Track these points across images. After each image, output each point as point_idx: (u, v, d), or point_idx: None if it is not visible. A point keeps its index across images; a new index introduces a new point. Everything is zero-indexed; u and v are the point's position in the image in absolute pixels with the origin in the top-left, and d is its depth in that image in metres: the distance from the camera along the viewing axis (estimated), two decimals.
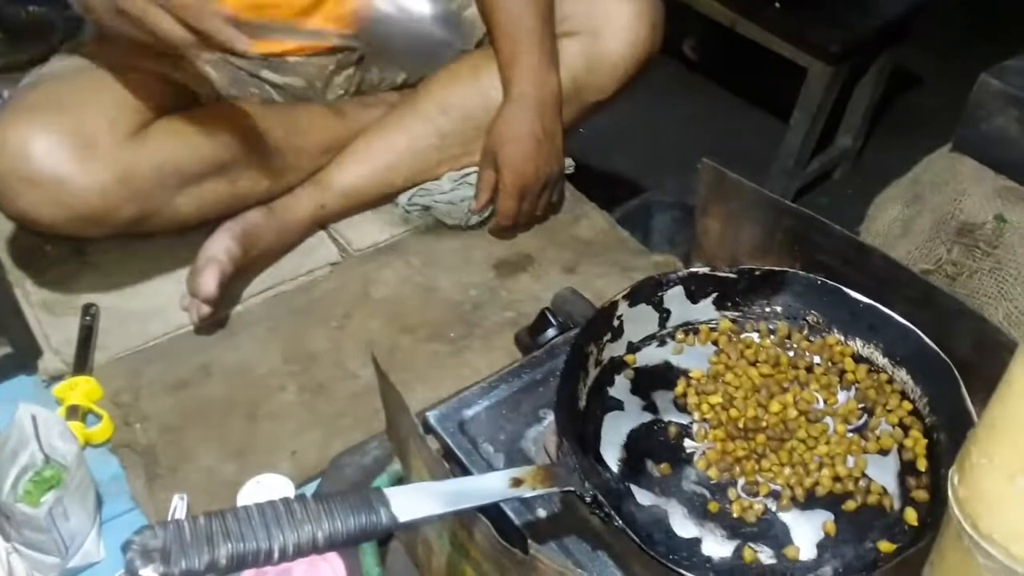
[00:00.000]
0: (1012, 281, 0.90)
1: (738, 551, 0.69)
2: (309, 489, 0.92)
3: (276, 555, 0.54)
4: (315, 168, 1.14)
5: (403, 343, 1.06)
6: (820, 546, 0.69)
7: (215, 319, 1.06)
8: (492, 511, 0.65)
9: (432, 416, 0.80)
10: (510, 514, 0.73)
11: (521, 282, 1.14)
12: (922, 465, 0.73)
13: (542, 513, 0.73)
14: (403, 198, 1.20)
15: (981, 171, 0.96)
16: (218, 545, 0.53)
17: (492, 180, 1.14)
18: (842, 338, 0.81)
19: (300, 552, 0.55)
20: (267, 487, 0.81)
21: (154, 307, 1.09)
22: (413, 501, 0.60)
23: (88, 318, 1.05)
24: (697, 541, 0.69)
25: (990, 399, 0.50)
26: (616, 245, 1.19)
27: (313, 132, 1.12)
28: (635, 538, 0.66)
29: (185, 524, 0.53)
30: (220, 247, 1.05)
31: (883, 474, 0.73)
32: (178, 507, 0.87)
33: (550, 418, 0.80)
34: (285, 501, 0.56)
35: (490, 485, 0.64)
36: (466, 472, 0.75)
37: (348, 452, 0.94)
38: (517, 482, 0.65)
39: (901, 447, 0.74)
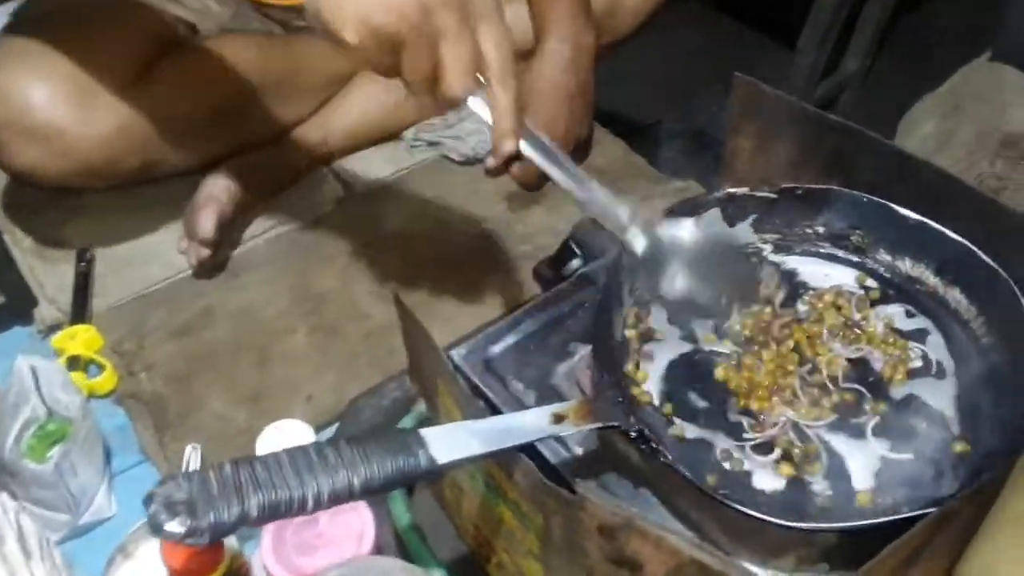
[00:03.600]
0: None
1: (792, 483, 0.65)
2: (327, 434, 0.88)
3: (310, 503, 0.50)
4: (319, 103, 1.08)
5: (416, 280, 1.01)
6: (878, 475, 0.65)
7: (215, 261, 1.02)
8: (526, 450, 0.61)
9: (456, 354, 0.75)
10: (545, 453, 0.68)
11: (535, 215, 1.09)
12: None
13: (579, 451, 0.69)
14: (408, 133, 1.15)
15: None
16: (248, 495, 0.49)
17: None
18: (890, 258, 0.76)
19: (336, 499, 0.51)
20: (286, 433, 0.77)
21: (152, 251, 1.04)
22: (452, 442, 0.55)
23: (83, 264, 1.00)
24: (747, 474, 0.65)
25: None
26: (633, 173, 1.14)
27: (316, 66, 1.06)
28: (684, 473, 0.62)
29: (211, 474, 0.49)
30: (219, 186, 1.00)
31: (939, 398, 0.69)
32: (192, 457, 0.83)
33: (580, 352, 0.75)
34: (316, 446, 0.52)
35: (531, 423, 0.60)
36: (496, 411, 0.71)
37: (366, 395, 0.90)
38: (559, 418, 0.60)
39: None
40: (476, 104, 0.65)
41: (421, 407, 0.77)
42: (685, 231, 0.71)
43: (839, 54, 2.06)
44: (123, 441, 0.88)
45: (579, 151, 1.12)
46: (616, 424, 0.62)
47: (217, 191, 0.99)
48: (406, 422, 0.76)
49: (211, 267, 1.01)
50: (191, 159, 1.00)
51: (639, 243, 0.69)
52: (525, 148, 0.67)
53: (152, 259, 1.03)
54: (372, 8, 0.60)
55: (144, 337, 0.95)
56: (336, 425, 0.89)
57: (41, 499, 0.76)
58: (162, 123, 0.94)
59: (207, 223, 0.96)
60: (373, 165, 1.14)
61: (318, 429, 0.87)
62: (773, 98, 0.81)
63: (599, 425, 0.61)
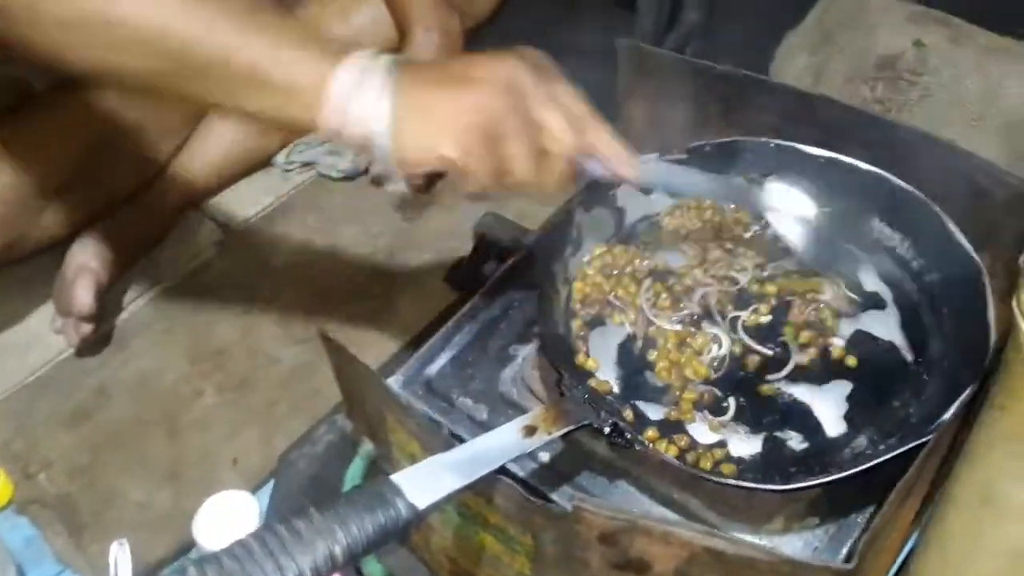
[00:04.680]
0: (944, 106, 0.88)
1: (767, 443, 0.63)
2: (263, 495, 0.81)
3: None
4: (180, 143, 1.00)
5: (319, 313, 0.95)
6: (847, 418, 0.64)
7: (98, 335, 0.93)
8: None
9: (394, 382, 0.70)
10: (513, 468, 0.65)
11: (432, 219, 1.04)
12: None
13: (545, 458, 0.66)
14: (280, 158, 1.08)
15: (887, 2, 0.92)
16: None
17: None
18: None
19: (320, 575, 0.46)
20: (227, 507, 0.69)
21: (24, 336, 0.94)
22: (428, 482, 0.51)
23: None
24: (722, 444, 0.63)
25: None
26: None
27: (173, 104, 0.98)
28: (665, 457, 0.60)
29: None
30: (89, 253, 0.91)
31: (885, 328, 0.69)
32: (119, 555, 0.74)
33: (522, 353, 0.72)
34: (285, 522, 0.47)
35: (504, 442, 0.56)
36: (453, 435, 0.67)
37: (296, 445, 0.83)
38: (530, 430, 0.57)
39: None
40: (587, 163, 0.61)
41: (367, 447, 0.71)
42: None
43: (678, 7, 2.09)
44: (34, 554, 0.79)
45: None
46: (588, 422, 0.59)
47: (88, 259, 0.90)
48: (356, 466, 0.71)
49: (95, 342, 0.92)
50: (54, 229, 0.91)
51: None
52: (647, 175, 0.65)
53: (26, 345, 0.93)
54: (463, 110, 0.57)
55: (35, 432, 0.86)
56: (271, 484, 0.82)
57: None
58: (17, 194, 0.84)
59: (84, 295, 0.88)
60: (248, 198, 1.07)
61: (252, 492, 0.81)
62: (660, 58, 0.79)
63: (572, 427, 0.58)
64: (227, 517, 0.69)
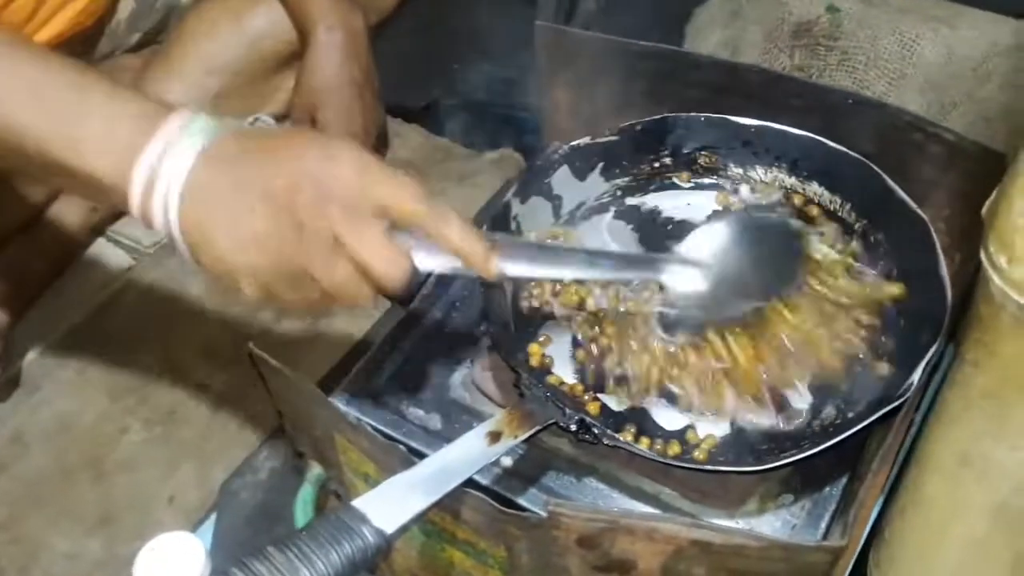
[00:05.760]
0: (863, 68, 0.88)
1: (734, 423, 0.62)
2: (204, 532, 0.76)
3: None
4: None
5: (246, 331, 0.90)
6: (811, 388, 0.63)
7: (5, 379, 0.86)
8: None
9: (339, 400, 0.66)
10: (474, 476, 0.61)
11: None
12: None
13: (507, 462, 0.63)
14: None
15: None
16: None
17: None
18: (741, 171, 0.75)
19: None
20: (169, 550, 0.64)
21: None
22: (393, 504, 0.48)
23: None
24: (691, 428, 0.61)
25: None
26: (441, 155, 1.08)
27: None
28: (636, 450, 0.58)
29: None
30: None
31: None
32: None
33: (470, 355, 0.69)
34: (242, 566, 0.43)
35: (468, 452, 0.53)
36: (409, 450, 0.63)
37: (236, 474, 0.79)
38: (495, 436, 0.54)
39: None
40: (426, 262, 0.51)
41: (316, 471, 0.67)
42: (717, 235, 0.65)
43: None
44: None
45: (379, 143, 1.03)
46: (553, 421, 0.56)
47: None
48: (306, 493, 0.67)
49: (1, 387, 0.85)
50: None
51: (697, 280, 0.62)
52: (510, 267, 0.52)
53: None
54: (246, 249, 0.47)
55: None
56: (212, 519, 0.77)
57: None
58: None
59: None
60: None
61: (192, 530, 0.76)
62: (582, 40, 0.77)
63: (538, 428, 0.55)
64: (170, 561, 0.64)
